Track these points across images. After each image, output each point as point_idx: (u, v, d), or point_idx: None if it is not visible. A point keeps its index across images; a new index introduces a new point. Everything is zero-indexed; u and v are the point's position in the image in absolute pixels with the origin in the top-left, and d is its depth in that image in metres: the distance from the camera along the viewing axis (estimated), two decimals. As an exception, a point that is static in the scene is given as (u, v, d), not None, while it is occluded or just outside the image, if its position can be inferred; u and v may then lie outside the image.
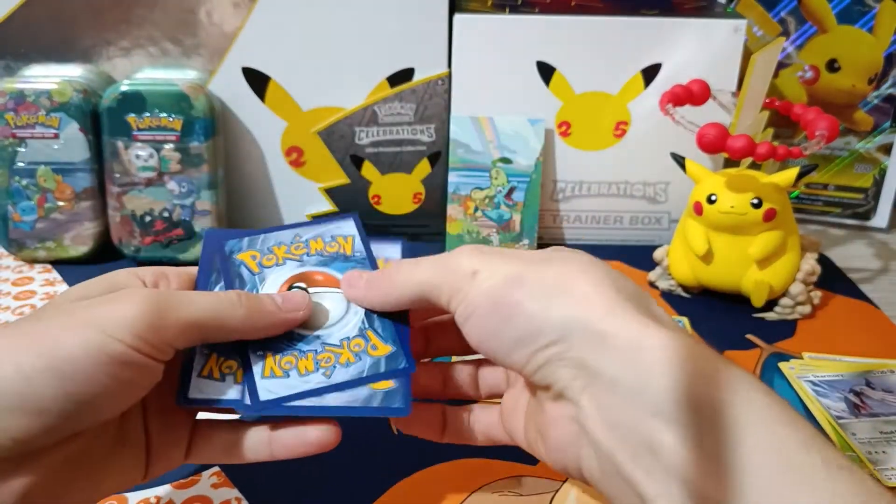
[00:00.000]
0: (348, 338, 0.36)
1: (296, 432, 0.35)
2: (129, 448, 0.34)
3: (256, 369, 0.34)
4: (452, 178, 0.69)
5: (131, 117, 0.63)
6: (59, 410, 0.29)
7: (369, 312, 0.37)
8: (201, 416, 0.37)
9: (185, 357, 0.35)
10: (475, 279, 0.32)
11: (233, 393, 0.34)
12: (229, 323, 0.33)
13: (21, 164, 0.64)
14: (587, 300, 0.30)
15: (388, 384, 0.35)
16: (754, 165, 0.60)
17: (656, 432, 0.27)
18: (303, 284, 0.37)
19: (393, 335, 0.36)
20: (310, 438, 0.35)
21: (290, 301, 0.36)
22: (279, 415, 0.34)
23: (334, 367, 0.35)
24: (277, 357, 0.35)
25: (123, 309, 0.30)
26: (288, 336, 0.36)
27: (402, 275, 0.35)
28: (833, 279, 0.67)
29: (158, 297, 0.31)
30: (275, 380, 0.34)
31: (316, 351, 0.35)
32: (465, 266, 0.33)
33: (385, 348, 0.36)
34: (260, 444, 0.35)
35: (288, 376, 0.34)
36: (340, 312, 0.37)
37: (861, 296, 0.65)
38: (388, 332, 0.36)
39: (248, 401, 0.34)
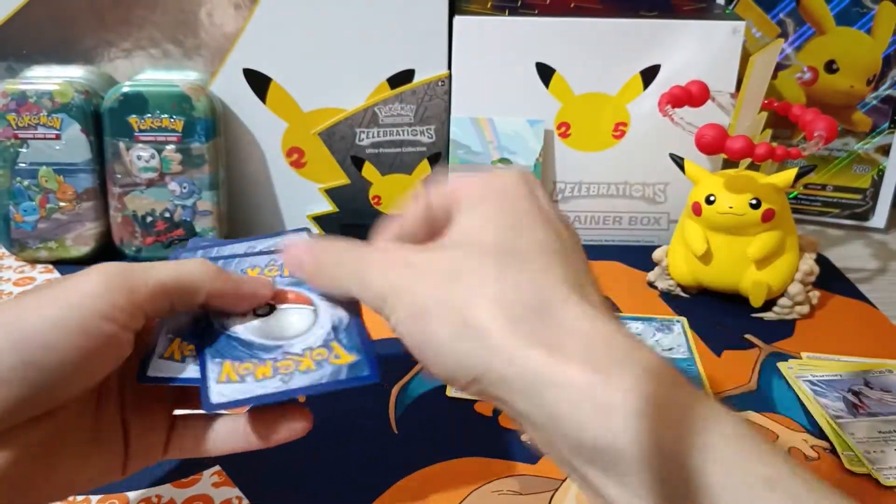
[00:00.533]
0: (311, 347, 0.35)
1: (268, 422, 0.35)
2: (107, 440, 0.35)
3: (212, 375, 0.34)
4: (452, 178, 0.69)
5: (133, 118, 0.63)
6: (23, 380, 0.29)
7: (336, 326, 0.37)
8: (178, 411, 0.37)
9: (151, 342, 0.35)
10: (385, 309, 0.31)
11: (192, 372, 0.34)
12: (195, 283, 0.34)
13: (23, 165, 0.64)
14: (488, 339, 0.28)
15: (352, 357, 0.35)
16: (753, 166, 0.61)
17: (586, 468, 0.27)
18: (272, 303, 0.37)
19: (359, 345, 0.36)
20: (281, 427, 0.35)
21: (255, 278, 0.37)
22: (243, 406, 0.34)
23: (293, 374, 0.34)
24: (236, 364, 0.35)
25: (88, 279, 0.31)
26: (249, 346, 0.35)
27: (332, 270, 0.34)
28: (831, 279, 0.67)
29: (123, 266, 0.32)
30: (229, 384, 0.34)
31: (276, 359, 0.35)
32: (374, 288, 0.31)
33: (349, 357, 0.35)
34: (236, 433, 0.36)
35: (243, 381, 0.34)
36: (306, 326, 0.37)
37: (859, 296, 0.65)
38: (354, 343, 0.36)
39: (203, 390, 0.34)
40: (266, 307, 0.37)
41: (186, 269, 0.34)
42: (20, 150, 0.64)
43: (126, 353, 0.32)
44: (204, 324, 0.36)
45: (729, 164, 0.65)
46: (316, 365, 0.35)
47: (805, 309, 0.61)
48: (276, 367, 0.34)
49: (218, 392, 0.33)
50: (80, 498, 0.42)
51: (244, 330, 0.36)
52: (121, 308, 0.31)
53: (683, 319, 0.60)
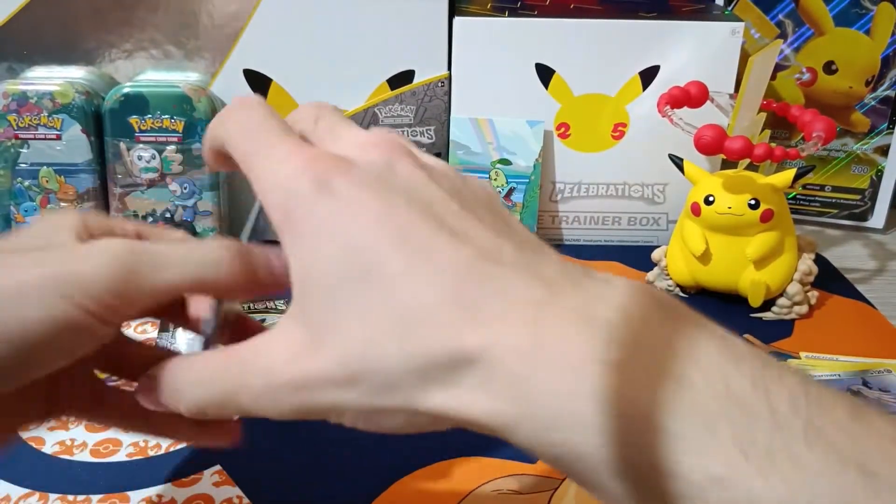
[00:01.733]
0: None
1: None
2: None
3: None
4: (452, 179, 0.69)
5: (133, 119, 0.63)
6: None
7: None
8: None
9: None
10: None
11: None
12: (211, 285, 0.29)
13: (24, 166, 0.64)
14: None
15: None
16: (752, 167, 0.61)
17: None
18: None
19: None
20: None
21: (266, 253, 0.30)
22: None
23: None
24: None
25: (92, 265, 0.27)
26: None
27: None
28: (830, 279, 0.67)
29: (133, 258, 0.27)
30: None
31: None
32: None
33: None
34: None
35: None
36: None
37: (858, 296, 0.65)
38: None
39: None
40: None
41: (202, 273, 0.29)
42: (21, 150, 0.64)
43: (97, 345, 0.28)
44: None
45: (728, 164, 0.65)
46: None
47: (803, 309, 0.62)
48: None
49: None
50: (80, 497, 0.42)
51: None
52: (109, 307, 0.27)
53: (682, 319, 0.60)
